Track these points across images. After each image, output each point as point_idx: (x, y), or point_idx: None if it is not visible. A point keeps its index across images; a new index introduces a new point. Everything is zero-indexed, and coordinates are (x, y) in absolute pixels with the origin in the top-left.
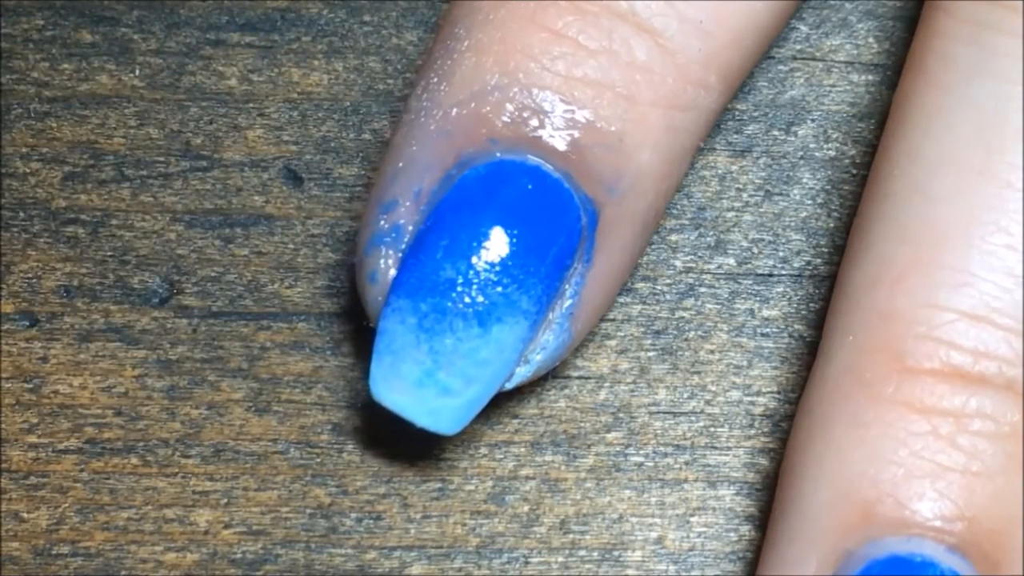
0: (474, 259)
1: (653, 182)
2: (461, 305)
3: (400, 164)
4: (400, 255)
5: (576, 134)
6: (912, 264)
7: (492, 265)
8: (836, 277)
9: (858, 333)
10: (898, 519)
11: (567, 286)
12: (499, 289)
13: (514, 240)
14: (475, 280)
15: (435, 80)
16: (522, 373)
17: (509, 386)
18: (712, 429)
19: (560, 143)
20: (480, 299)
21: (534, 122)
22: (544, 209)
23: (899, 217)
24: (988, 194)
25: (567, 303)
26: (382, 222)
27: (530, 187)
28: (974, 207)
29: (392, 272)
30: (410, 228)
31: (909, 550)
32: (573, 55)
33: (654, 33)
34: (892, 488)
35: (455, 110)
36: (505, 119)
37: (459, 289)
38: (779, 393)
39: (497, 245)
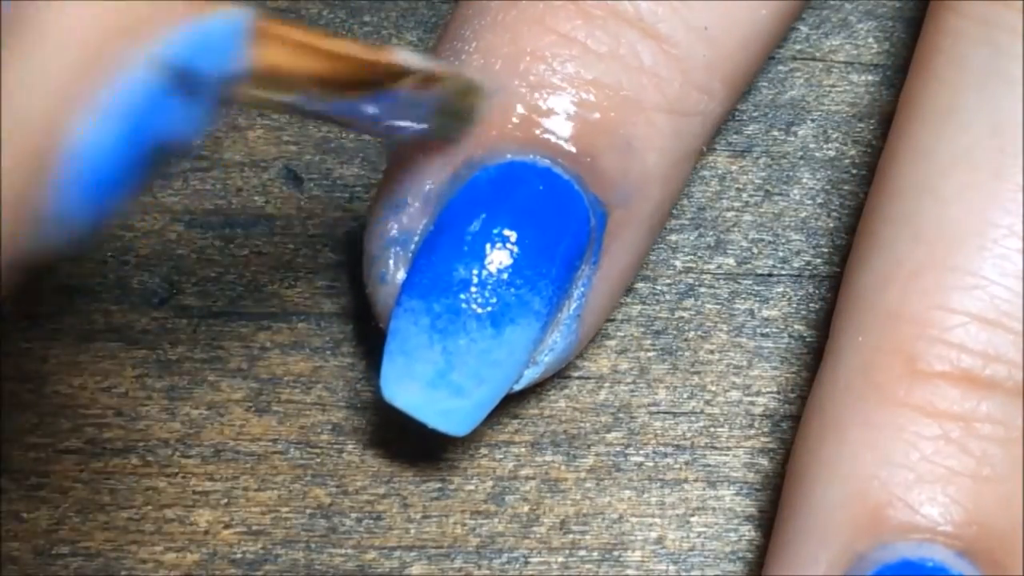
0: (487, 260)
1: (659, 185)
2: (475, 306)
3: (408, 165)
4: (410, 256)
5: (586, 136)
6: (923, 265)
7: (505, 266)
8: (838, 276)
9: (868, 334)
10: (908, 523)
11: (575, 288)
12: (512, 290)
13: (526, 241)
14: (488, 281)
15: None
16: (530, 374)
17: (517, 388)
18: (712, 429)
19: (571, 145)
20: (493, 300)
21: (545, 124)
22: (555, 210)
23: (910, 218)
24: (1001, 196)
25: (574, 305)
26: (391, 222)
27: (541, 188)
28: (986, 209)
29: (402, 273)
30: (419, 229)
31: (920, 555)
32: (582, 58)
33: (660, 39)
34: (903, 492)
35: None
36: (515, 121)
37: (473, 290)
38: (779, 393)
39: (510, 246)
